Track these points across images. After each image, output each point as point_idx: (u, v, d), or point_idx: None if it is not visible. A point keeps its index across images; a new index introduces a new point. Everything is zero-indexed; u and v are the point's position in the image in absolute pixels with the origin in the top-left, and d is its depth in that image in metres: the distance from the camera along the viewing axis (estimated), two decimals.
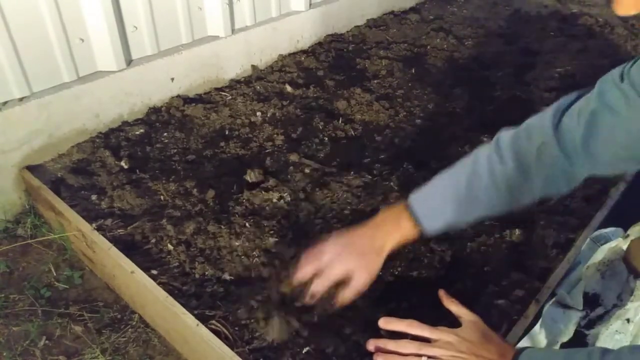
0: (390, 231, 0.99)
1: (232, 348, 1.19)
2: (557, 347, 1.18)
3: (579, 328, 1.20)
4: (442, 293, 1.00)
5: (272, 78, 2.48)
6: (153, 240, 1.55)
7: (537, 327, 1.22)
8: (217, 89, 2.38)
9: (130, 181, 1.77)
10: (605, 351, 0.76)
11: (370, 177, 1.83)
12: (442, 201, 0.98)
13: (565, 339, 1.19)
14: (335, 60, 2.72)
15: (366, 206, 1.68)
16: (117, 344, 1.40)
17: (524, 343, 1.19)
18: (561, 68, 2.66)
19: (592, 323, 1.22)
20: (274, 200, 1.72)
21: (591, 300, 1.26)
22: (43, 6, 1.73)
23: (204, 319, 1.26)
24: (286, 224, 1.61)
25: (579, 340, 1.19)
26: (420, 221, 0.98)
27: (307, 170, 1.86)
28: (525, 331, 1.23)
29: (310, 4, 2.79)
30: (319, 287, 1.01)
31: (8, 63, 1.70)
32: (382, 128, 2.16)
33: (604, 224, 1.41)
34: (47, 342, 1.41)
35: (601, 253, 1.24)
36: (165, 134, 2.04)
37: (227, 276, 1.46)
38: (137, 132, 2.03)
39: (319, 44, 2.88)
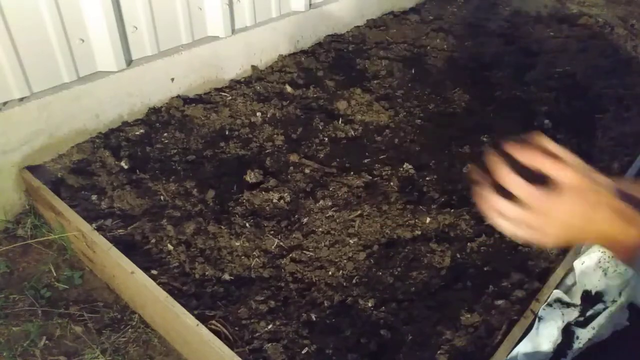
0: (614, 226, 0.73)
1: (232, 348, 1.20)
2: (553, 347, 1.18)
3: (573, 326, 1.20)
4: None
5: (272, 78, 2.48)
6: (153, 241, 1.56)
7: (534, 330, 1.21)
8: (217, 89, 2.38)
9: (130, 181, 1.77)
10: None
11: (370, 177, 1.83)
12: None
13: (559, 338, 1.19)
14: (335, 60, 2.71)
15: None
16: (117, 344, 1.40)
17: (524, 346, 1.19)
18: (561, 68, 2.66)
19: (589, 320, 1.22)
20: (274, 200, 1.72)
21: (594, 298, 1.26)
22: (43, 7, 1.73)
23: (204, 319, 1.27)
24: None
25: (569, 339, 1.19)
26: None
27: (307, 171, 1.86)
28: (525, 332, 1.23)
29: (310, 4, 2.78)
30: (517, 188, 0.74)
31: (8, 63, 1.70)
32: (382, 128, 2.16)
33: None
34: (47, 342, 1.41)
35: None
36: (165, 134, 2.04)
37: (227, 276, 1.46)
38: (137, 133, 2.03)
39: (319, 44, 2.88)
